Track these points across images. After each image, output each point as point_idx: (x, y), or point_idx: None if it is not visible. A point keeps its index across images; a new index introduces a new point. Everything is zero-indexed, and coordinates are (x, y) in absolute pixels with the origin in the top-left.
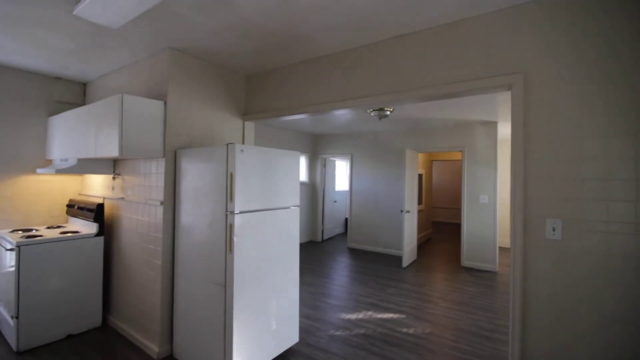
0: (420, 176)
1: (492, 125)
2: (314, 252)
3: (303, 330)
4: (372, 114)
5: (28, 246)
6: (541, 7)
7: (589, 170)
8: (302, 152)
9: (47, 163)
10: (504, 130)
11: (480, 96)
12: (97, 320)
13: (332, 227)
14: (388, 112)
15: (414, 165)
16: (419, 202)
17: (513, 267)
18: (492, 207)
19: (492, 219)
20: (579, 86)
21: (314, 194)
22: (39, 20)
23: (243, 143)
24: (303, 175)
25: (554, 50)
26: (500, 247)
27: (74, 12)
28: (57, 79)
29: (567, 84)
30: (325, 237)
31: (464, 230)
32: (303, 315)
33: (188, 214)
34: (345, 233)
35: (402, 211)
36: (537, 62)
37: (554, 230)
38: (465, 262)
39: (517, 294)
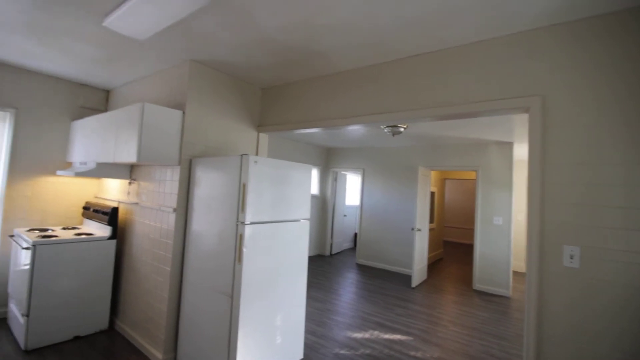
0: (432, 194)
1: (508, 146)
2: (322, 266)
3: (308, 346)
4: (385, 130)
5: (43, 246)
6: (559, 31)
7: (609, 198)
8: (314, 164)
9: (67, 165)
10: (520, 151)
11: (496, 116)
12: (104, 323)
13: (341, 242)
14: (402, 129)
15: (427, 183)
16: (431, 221)
17: (528, 294)
18: (507, 229)
19: (507, 242)
20: (600, 111)
21: (324, 208)
22: (69, 30)
23: (257, 154)
24: (314, 188)
25: (574, 74)
26: (514, 272)
27: (104, 24)
28: (83, 85)
29: (587, 109)
30: (334, 251)
31: (477, 251)
32: (308, 331)
33: (199, 223)
34: (354, 248)
35: (413, 229)
36: (555, 86)
37: (571, 257)
38: (477, 285)
39: (532, 323)
